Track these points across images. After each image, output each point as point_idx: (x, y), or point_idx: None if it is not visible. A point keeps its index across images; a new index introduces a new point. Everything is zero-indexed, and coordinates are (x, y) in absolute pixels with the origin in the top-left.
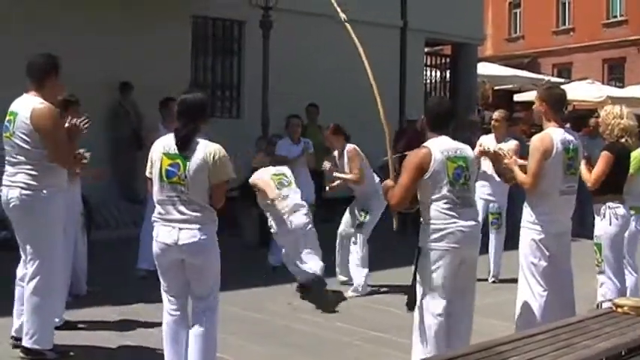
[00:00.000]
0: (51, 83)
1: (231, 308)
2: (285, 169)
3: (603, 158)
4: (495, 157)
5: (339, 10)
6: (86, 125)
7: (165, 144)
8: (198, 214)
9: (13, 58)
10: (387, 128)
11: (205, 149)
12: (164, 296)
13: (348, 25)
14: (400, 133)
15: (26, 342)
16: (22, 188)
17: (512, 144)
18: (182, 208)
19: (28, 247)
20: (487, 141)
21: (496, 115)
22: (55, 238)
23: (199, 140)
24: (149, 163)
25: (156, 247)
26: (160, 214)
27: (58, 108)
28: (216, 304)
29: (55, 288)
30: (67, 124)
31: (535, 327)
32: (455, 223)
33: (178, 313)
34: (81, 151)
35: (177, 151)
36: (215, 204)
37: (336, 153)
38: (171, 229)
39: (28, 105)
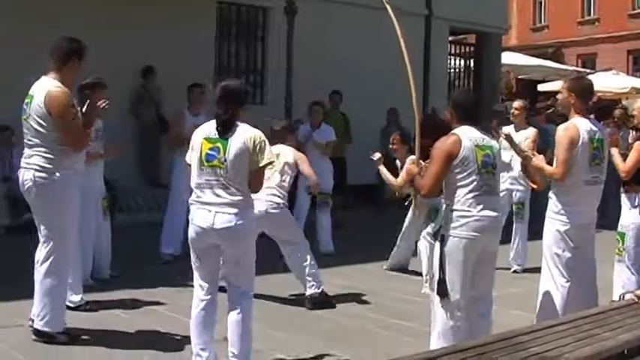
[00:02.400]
0: (71, 67)
1: (257, 296)
2: None
3: (637, 149)
4: (524, 159)
5: None
6: (105, 106)
7: (206, 129)
8: (235, 198)
9: (37, 45)
10: (417, 115)
11: (245, 134)
12: (195, 281)
13: (389, 7)
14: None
15: (37, 324)
16: (36, 170)
17: (531, 132)
18: (220, 192)
19: (42, 228)
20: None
21: (516, 104)
22: (68, 221)
23: (239, 124)
24: (190, 149)
25: (191, 231)
26: (197, 197)
27: (86, 90)
28: (251, 289)
29: (66, 271)
30: (85, 107)
31: (557, 318)
32: (479, 211)
33: (209, 297)
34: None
35: (217, 136)
36: (254, 189)
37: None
38: (207, 213)
39: (43, 88)
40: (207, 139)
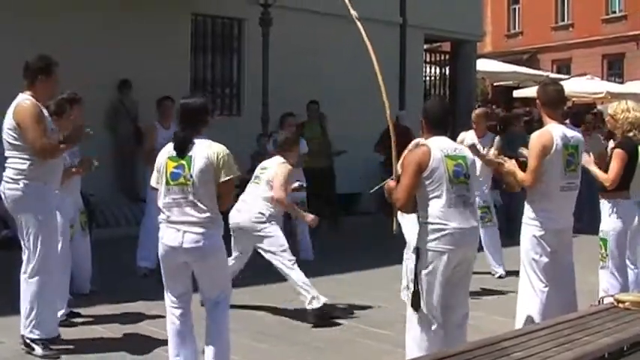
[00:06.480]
0: (42, 83)
1: (235, 307)
2: None
3: (617, 156)
4: (493, 164)
5: (349, 6)
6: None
7: (169, 150)
8: (203, 216)
9: (11, 59)
10: (392, 127)
11: (209, 149)
12: (167, 296)
13: (358, 22)
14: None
15: (26, 332)
16: (7, 182)
17: (491, 138)
18: (188, 210)
19: (23, 240)
20: (468, 136)
21: (476, 112)
22: (48, 231)
23: (199, 140)
24: (155, 173)
25: (161, 249)
26: (166, 216)
27: (62, 105)
28: (226, 303)
29: (52, 278)
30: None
31: (536, 323)
32: (453, 223)
33: (181, 311)
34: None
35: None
36: (222, 204)
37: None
38: (176, 232)
39: (15, 103)
40: (171, 158)
